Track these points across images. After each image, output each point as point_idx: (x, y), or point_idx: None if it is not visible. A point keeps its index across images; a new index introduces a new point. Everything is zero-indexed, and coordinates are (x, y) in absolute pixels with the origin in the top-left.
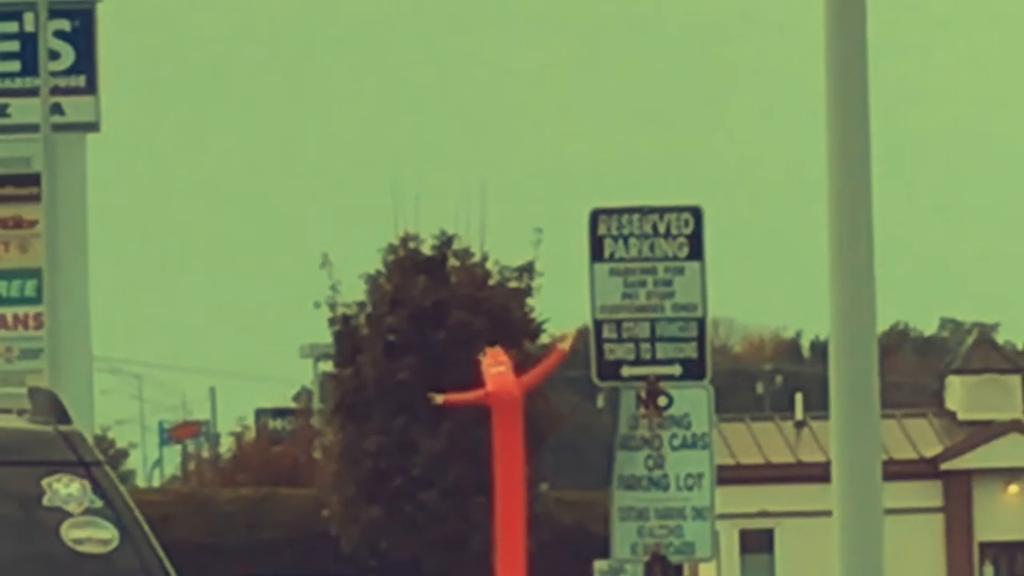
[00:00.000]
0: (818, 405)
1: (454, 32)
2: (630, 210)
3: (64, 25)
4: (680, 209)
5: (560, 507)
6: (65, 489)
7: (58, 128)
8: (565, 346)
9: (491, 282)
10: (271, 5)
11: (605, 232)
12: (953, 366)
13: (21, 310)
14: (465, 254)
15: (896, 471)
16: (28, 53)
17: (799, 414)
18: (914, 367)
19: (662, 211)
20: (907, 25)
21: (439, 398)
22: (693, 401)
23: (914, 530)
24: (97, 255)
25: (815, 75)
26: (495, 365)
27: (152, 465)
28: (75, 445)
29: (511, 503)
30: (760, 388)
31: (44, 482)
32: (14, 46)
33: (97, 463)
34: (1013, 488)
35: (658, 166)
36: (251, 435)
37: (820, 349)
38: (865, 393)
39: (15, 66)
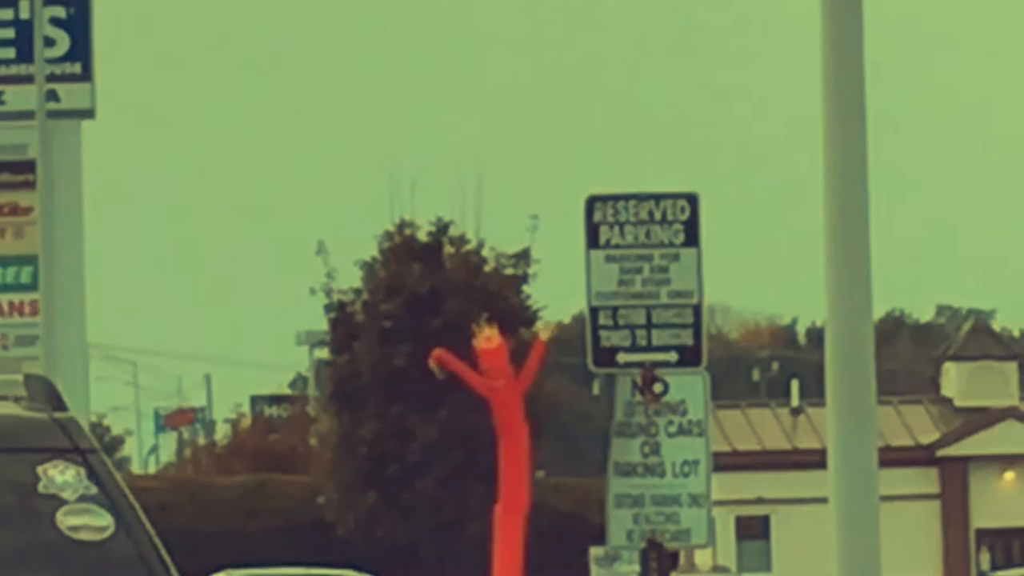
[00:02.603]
0: (814, 392)
1: (450, 20)
2: (626, 197)
3: (59, 12)
4: (676, 196)
5: (556, 494)
6: (60, 476)
7: (53, 115)
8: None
9: (487, 269)
10: None
11: (601, 219)
12: (949, 353)
13: (16, 297)
14: (461, 241)
15: (892, 458)
16: (23, 40)
17: (795, 401)
18: (910, 354)
19: (658, 198)
20: (906, 15)
21: (435, 367)
22: (689, 388)
23: (910, 517)
24: (93, 242)
25: (812, 61)
26: (497, 378)
27: (148, 452)
28: (70, 432)
29: (515, 488)
30: (756, 375)
31: (39, 469)
32: (9, 33)
33: (92, 450)
34: (1009, 475)
35: (654, 153)
36: (247, 422)
37: (816, 336)
38: (861, 380)
39: (10, 53)
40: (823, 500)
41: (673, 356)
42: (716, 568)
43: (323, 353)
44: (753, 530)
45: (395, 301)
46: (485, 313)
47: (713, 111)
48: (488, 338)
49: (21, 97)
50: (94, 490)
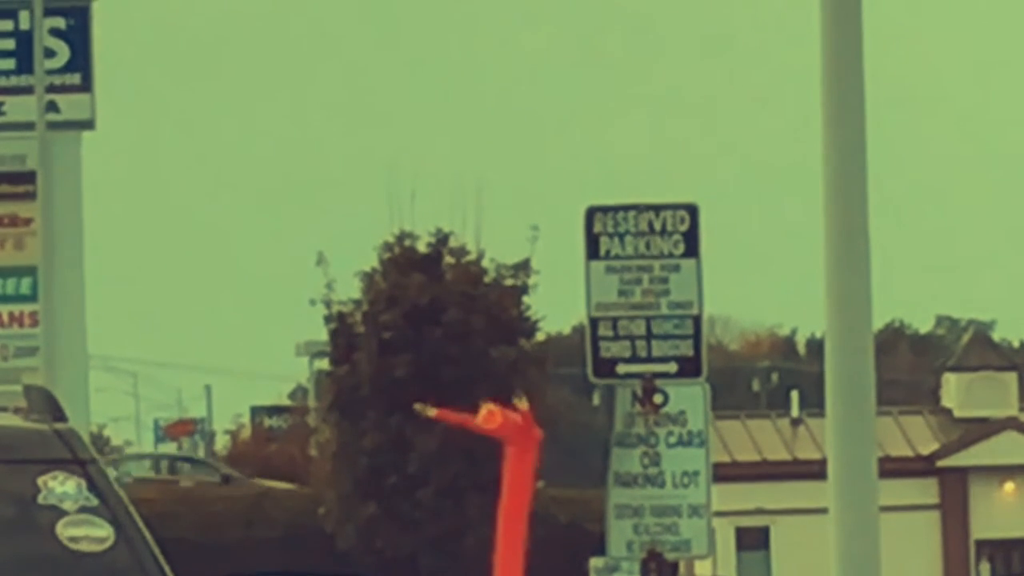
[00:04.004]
0: (814, 402)
1: (450, 29)
2: (626, 207)
3: (59, 23)
4: (676, 207)
5: (556, 505)
6: (61, 487)
7: (53, 126)
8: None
9: (487, 280)
10: (266, 2)
11: (601, 230)
12: (949, 363)
13: (16, 308)
14: (461, 251)
15: (892, 468)
16: (23, 51)
17: (795, 411)
18: (910, 364)
19: (658, 208)
20: (905, 20)
21: (431, 411)
22: (689, 398)
23: (910, 527)
24: (93, 253)
25: (812, 71)
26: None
27: None
28: (71, 443)
29: (515, 511)
30: (756, 385)
31: (40, 480)
32: (9, 44)
33: (92, 461)
34: (1009, 485)
35: (654, 163)
36: (246, 433)
37: (816, 346)
38: (861, 390)
39: (10, 64)
40: (823, 510)
41: (673, 367)
42: None
43: (323, 364)
44: (753, 541)
45: (395, 312)
46: (483, 402)
47: (714, 121)
48: (488, 417)
49: (21, 108)
50: (94, 501)
